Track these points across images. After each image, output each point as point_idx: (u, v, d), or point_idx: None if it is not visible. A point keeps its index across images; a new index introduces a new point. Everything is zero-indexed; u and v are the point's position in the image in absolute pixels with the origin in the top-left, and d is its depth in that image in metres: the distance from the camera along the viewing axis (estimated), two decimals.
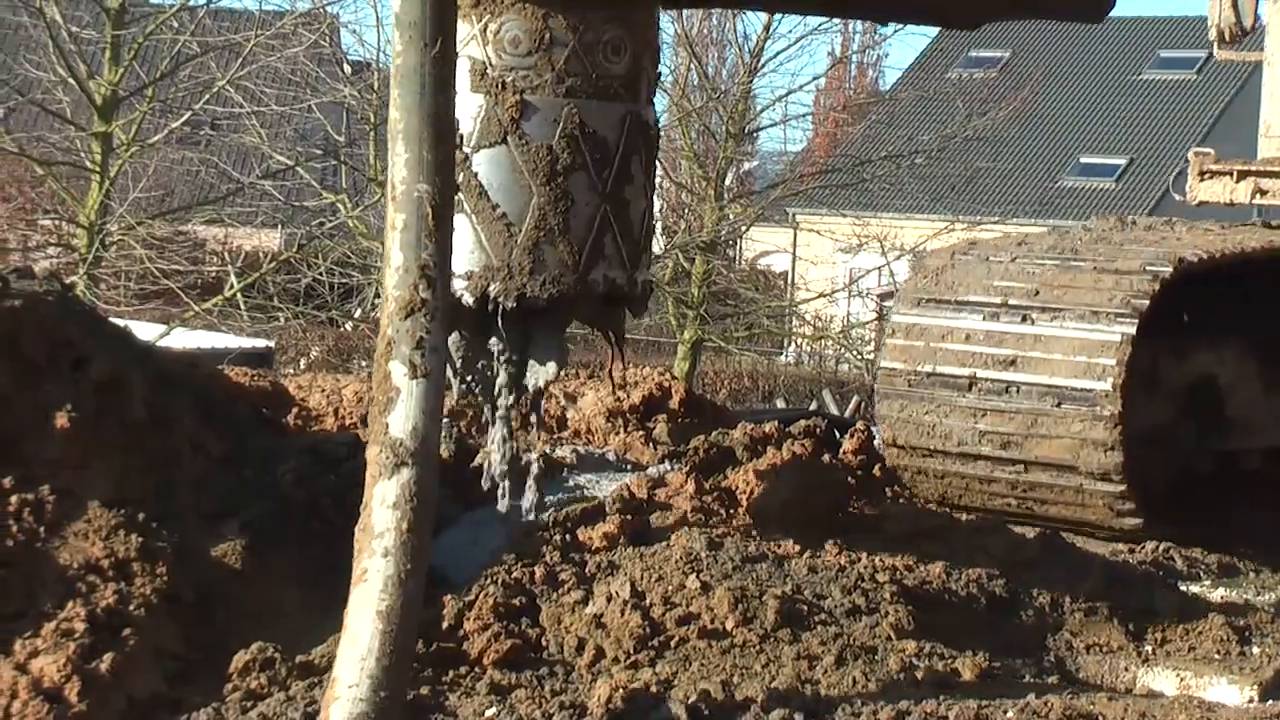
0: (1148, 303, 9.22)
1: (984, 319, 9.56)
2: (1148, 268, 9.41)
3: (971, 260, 9.90)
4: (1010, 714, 6.07)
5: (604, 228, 6.56)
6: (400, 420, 5.51)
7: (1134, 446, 9.29)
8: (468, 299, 6.47)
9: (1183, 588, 8.56)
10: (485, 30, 6.49)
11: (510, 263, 6.35)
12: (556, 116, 6.37)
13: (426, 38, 5.63)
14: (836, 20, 29.31)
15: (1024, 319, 9.48)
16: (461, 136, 6.43)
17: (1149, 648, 7.47)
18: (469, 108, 6.46)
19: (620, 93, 6.60)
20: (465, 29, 6.46)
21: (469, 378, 6.49)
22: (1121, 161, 48.37)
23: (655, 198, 7.07)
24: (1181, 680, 7.11)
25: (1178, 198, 12.48)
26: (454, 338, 6.68)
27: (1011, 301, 9.55)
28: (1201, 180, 11.79)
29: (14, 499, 6.24)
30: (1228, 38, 12.08)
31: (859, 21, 27.73)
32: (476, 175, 6.47)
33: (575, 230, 6.46)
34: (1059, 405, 9.26)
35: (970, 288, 9.72)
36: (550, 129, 6.37)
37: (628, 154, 6.61)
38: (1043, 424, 9.30)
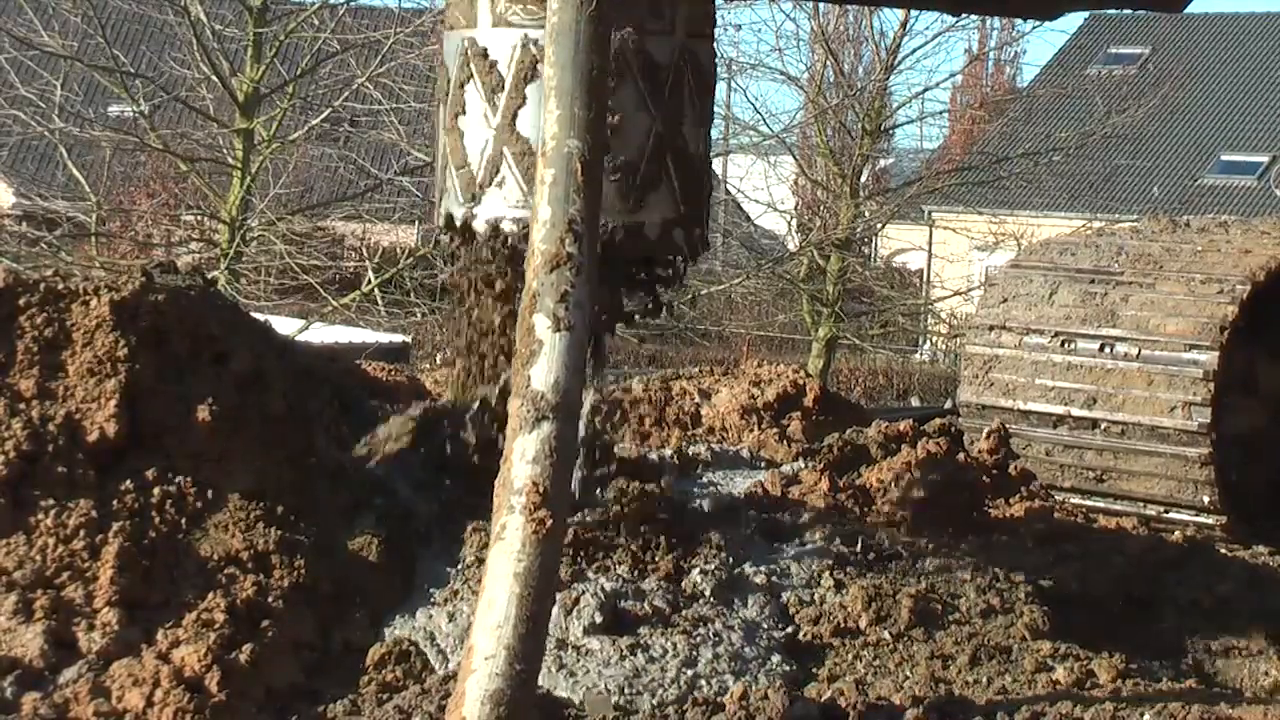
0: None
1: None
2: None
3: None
4: (1147, 717, 6.01)
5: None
6: (542, 374, 5.39)
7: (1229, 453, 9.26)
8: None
9: None
10: None
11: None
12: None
13: None
14: (965, 16, 29.13)
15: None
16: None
17: None
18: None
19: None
20: None
21: None
22: (1264, 159, 47.67)
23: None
24: None
25: (1278, 192, 12.26)
26: None
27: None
28: None
29: (156, 491, 6.32)
30: None
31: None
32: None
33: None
34: None
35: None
36: None
37: (688, 91, 6.57)
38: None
